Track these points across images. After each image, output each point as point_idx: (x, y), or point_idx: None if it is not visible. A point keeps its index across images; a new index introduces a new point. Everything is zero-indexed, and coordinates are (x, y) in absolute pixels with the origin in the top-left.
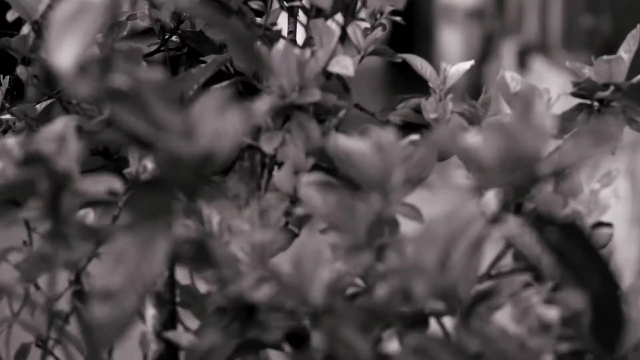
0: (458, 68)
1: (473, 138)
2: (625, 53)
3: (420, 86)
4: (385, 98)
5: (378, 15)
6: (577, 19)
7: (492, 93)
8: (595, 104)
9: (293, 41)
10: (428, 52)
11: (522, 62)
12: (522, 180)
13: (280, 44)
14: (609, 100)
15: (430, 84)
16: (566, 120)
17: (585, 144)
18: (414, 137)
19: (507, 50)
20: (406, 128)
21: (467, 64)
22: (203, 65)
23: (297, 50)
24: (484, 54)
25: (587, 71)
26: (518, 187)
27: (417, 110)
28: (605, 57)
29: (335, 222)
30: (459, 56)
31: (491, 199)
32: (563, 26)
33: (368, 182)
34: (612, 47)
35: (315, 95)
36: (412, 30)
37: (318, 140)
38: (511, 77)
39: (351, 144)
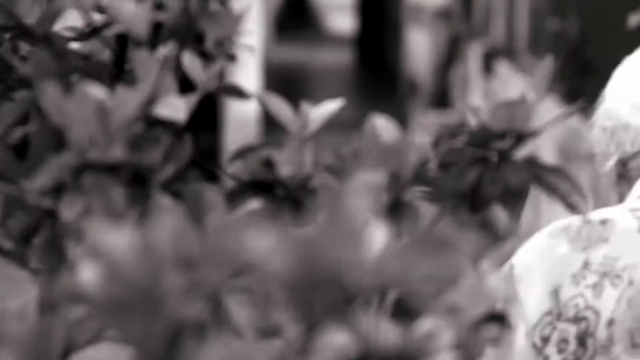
0: (322, 110)
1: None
2: (530, 93)
3: (393, 89)
4: (355, 102)
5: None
6: (543, 22)
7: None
8: (494, 155)
9: (114, 77)
10: (397, 52)
11: (488, 66)
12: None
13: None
14: (509, 152)
15: (288, 129)
16: (452, 180)
17: (415, 254)
18: (254, 204)
19: (474, 54)
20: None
21: (334, 104)
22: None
23: (100, 92)
24: (450, 57)
25: (484, 113)
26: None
27: (269, 163)
28: (505, 99)
29: None
30: (427, 57)
31: None
32: (529, 29)
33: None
34: (578, 51)
35: (116, 152)
36: (382, 30)
37: (121, 209)
38: (384, 126)
39: (109, 240)
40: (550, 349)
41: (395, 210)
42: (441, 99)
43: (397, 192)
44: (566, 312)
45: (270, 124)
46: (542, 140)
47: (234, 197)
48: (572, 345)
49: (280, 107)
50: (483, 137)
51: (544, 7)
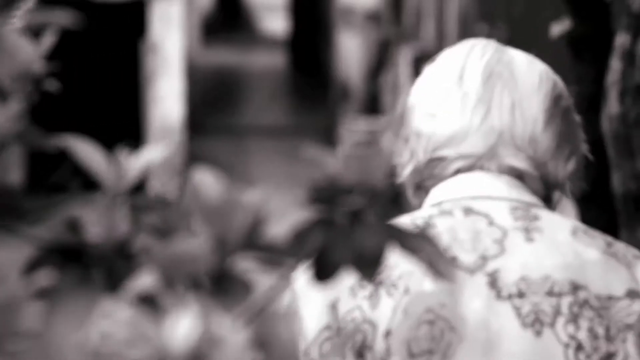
0: (143, 158)
1: None
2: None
3: (326, 93)
4: (287, 107)
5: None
6: (472, 27)
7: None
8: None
9: None
10: (329, 55)
11: (418, 70)
12: None
13: None
14: (362, 211)
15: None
16: (293, 244)
17: None
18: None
19: (404, 58)
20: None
21: (159, 152)
22: None
23: None
24: (381, 61)
25: (332, 165)
26: None
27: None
28: (359, 150)
29: None
30: (358, 61)
31: None
32: (458, 34)
33: None
34: None
35: None
36: (315, 32)
37: None
38: (210, 182)
39: None
40: None
41: (220, 281)
42: (372, 104)
43: (223, 259)
44: (345, 325)
45: (196, 131)
46: None
47: (33, 266)
48: (350, 359)
49: (92, 155)
50: (331, 194)
51: (473, 12)
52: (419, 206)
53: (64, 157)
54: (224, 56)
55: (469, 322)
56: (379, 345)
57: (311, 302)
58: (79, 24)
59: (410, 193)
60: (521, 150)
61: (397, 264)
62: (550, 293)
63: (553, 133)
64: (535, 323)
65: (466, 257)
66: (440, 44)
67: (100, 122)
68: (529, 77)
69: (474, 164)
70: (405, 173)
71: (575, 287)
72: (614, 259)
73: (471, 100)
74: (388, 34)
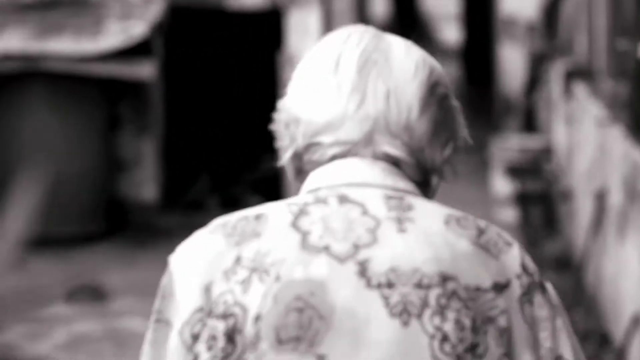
0: None
1: None
2: None
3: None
4: None
5: None
6: (621, 44)
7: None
8: None
9: None
10: (494, 67)
11: (569, 86)
12: None
13: None
14: None
15: None
16: None
17: None
18: None
19: (556, 73)
20: None
21: None
22: None
23: None
24: (536, 75)
25: None
26: None
27: None
28: None
29: None
30: (519, 75)
31: None
32: (608, 50)
33: None
34: None
35: None
36: (487, 42)
37: None
38: None
39: None
40: (200, 346)
41: None
42: (528, 120)
43: None
44: (216, 308)
45: None
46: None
47: None
48: (221, 342)
49: None
50: None
51: (620, 27)
52: (299, 190)
53: (199, 174)
54: None
55: (337, 310)
56: (249, 329)
57: (186, 284)
58: (213, 33)
59: (291, 177)
60: (396, 138)
61: (270, 251)
62: (418, 285)
63: (428, 120)
64: (403, 313)
65: (338, 246)
66: (591, 58)
67: (234, 135)
68: (405, 64)
69: (349, 150)
70: (285, 157)
71: (445, 279)
72: (484, 251)
73: (346, 88)
74: (543, 47)
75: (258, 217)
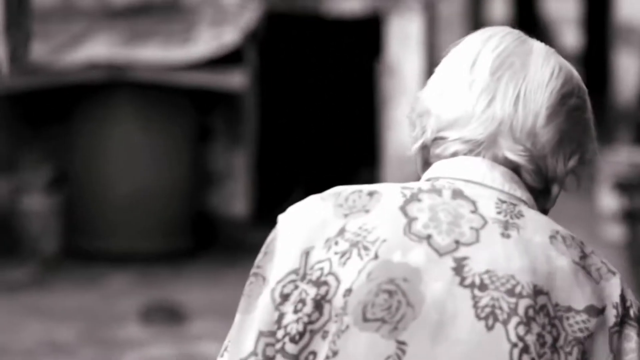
0: None
1: None
2: None
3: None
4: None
5: None
6: None
7: None
8: None
9: None
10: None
11: None
12: None
13: None
14: None
15: None
16: None
17: None
18: None
19: None
20: None
21: None
22: None
23: None
24: None
25: None
26: None
27: None
28: None
29: None
30: (635, 84)
31: None
32: None
33: None
34: None
35: None
36: (607, 48)
37: None
38: None
39: None
40: (288, 307)
41: None
42: (638, 132)
43: None
44: (311, 274)
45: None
46: None
47: None
48: (308, 308)
49: None
50: None
51: None
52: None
53: (294, 187)
54: None
55: (426, 301)
56: (338, 300)
57: (288, 245)
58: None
59: (418, 168)
60: (519, 143)
61: (375, 229)
62: (510, 292)
63: (555, 129)
64: (490, 317)
65: (440, 238)
66: None
67: (331, 147)
68: (541, 71)
69: (472, 150)
70: (415, 147)
71: (537, 292)
72: (584, 272)
73: (477, 88)
74: None
75: (371, 194)
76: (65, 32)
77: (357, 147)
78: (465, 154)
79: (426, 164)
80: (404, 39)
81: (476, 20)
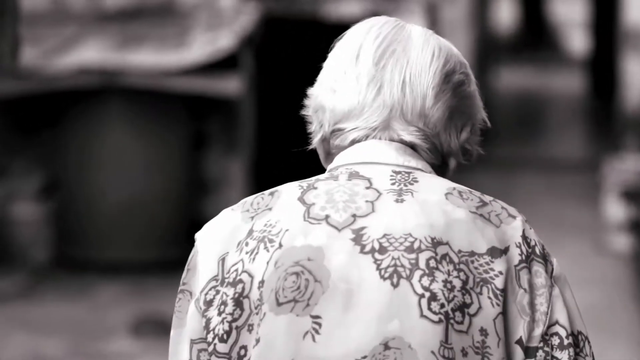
0: None
1: None
2: None
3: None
4: (577, 139)
5: None
6: None
7: None
8: None
9: None
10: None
11: None
12: None
13: None
14: None
15: None
16: None
17: None
18: None
19: None
20: None
21: None
22: None
23: None
24: None
25: None
26: None
27: None
28: None
29: None
30: None
31: None
32: None
33: None
34: None
35: None
36: (615, 52)
37: None
38: None
39: None
40: (212, 312)
41: None
42: None
43: None
44: (228, 277)
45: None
46: None
47: None
48: (230, 307)
49: None
50: None
51: None
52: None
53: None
54: (523, 79)
55: (332, 274)
56: (254, 293)
57: (206, 257)
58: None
59: (322, 159)
60: (411, 124)
61: (277, 222)
62: (409, 249)
63: (443, 107)
64: (394, 276)
65: (337, 215)
66: None
67: None
68: (422, 54)
69: (368, 135)
70: (315, 141)
71: (436, 244)
72: (482, 219)
73: (364, 79)
74: None
75: (272, 193)
76: (56, 36)
77: None
78: (362, 140)
79: (328, 154)
80: None
81: (481, 24)
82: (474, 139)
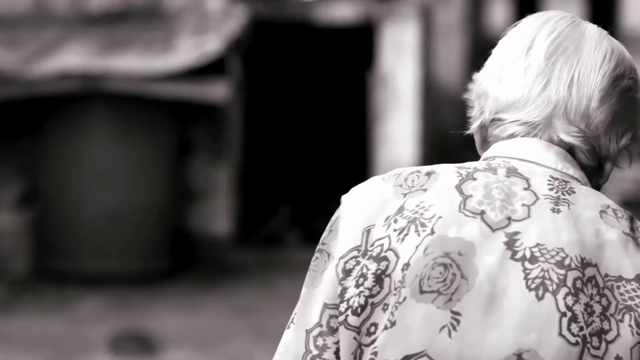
0: None
1: None
2: None
3: None
4: None
5: None
6: None
7: None
8: None
9: None
10: None
11: None
12: None
13: None
14: None
15: None
16: None
17: None
18: None
19: None
20: None
21: None
22: None
23: None
24: None
25: None
26: None
27: None
28: None
29: None
30: None
31: None
32: None
33: None
34: None
35: None
36: None
37: None
38: None
39: None
40: (350, 281)
41: None
42: None
43: None
44: (372, 250)
45: None
46: None
47: None
48: (369, 282)
49: None
50: None
51: None
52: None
53: (279, 205)
54: None
55: (480, 274)
56: (397, 274)
57: (350, 224)
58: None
59: (478, 146)
60: (573, 125)
61: (432, 206)
62: (560, 264)
63: (607, 111)
64: (540, 288)
65: (493, 214)
66: None
67: (319, 163)
68: (594, 54)
69: (528, 132)
70: (474, 126)
71: (585, 264)
72: (633, 242)
73: (532, 72)
74: None
75: (429, 174)
76: (37, 40)
77: (347, 162)
78: (522, 136)
79: (485, 142)
80: (398, 48)
81: (476, 27)
82: (633, 146)
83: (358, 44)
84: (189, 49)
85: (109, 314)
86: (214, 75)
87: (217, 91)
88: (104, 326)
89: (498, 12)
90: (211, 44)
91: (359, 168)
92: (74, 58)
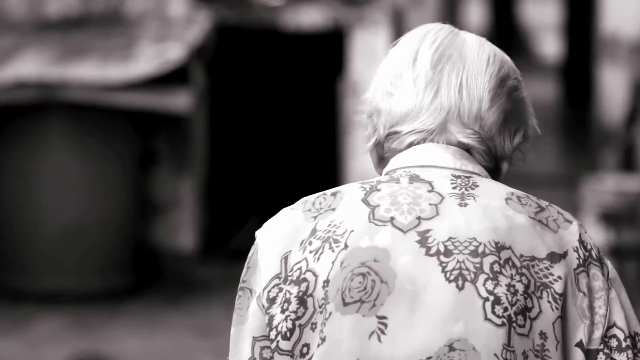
0: None
1: None
2: None
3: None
4: (553, 150)
5: None
6: None
7: None
8: None
9: None
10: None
11: None
12: None
13: None
14: None
15: None
16: None
17: None
18: None
19: None
20: None
21: None
22: None
23: None
24: (637, 105)
25: None
26: None
27: None
28: None
29: None
30: (620, 103)
31: None
32: None
33: None
34: None
35: None
36: (591, 59)
37: None
38: None
39: None
40: (275, 309)
41: None
42: (627, 157)
43: None
44: (291, 275)
45: None
46: None
47: None
48: (294, 305)
49: None
50: None
51: None
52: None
53: (247, 218)
54: None
55: (398, 276)
56: (319, 292)
57: (268, 254)
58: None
59: (374, 164)
60: (467, 127)
61: (342, 223)
62: (474, 253)
63: (499, 111)
64: (459, 278)
65: (402, 217)
66: None
67: (288, 174)
68: (478, 59)
69: (425, 138)
70: (369, 145)
71: (500, 248)
72: (540, 224)
73: (422, 81)
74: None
75: (334, 194)
76: None
77: (316, 174)
78: (419, 143)
79: (381, 159)
80: (369, 55)
81: None
82: (525, 144)
83: (327, 51)
84: (151, 57)
85: (66, 334)
86: (176, 83)
87: (180, 100)
88: (61, 347)
89: (473, 14)
90: (174, 52)
91: (329, 179)
92: (30, 67)
